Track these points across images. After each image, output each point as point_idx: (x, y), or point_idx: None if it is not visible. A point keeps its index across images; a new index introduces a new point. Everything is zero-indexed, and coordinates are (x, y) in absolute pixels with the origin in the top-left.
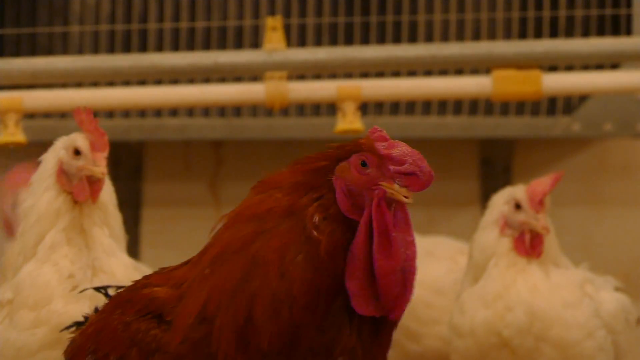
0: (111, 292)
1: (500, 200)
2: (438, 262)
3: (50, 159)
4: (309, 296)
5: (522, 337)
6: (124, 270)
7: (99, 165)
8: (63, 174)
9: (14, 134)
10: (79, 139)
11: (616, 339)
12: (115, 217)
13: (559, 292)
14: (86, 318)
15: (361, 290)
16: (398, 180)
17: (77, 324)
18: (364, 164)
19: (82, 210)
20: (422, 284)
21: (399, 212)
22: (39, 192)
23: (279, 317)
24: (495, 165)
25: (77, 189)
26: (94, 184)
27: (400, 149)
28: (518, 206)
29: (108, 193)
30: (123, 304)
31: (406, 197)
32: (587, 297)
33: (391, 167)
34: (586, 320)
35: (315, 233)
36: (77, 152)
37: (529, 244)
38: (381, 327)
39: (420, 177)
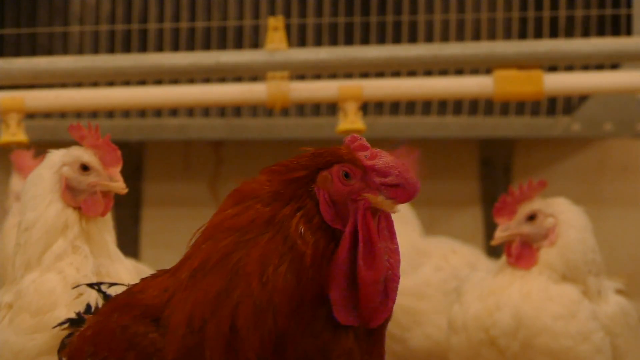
0: (104, 288)
1: None
2: (425, 262)
3: (47, 175)
4: (293, 305)
5: (507, 339)
6: (129, 276)
7: (118, 181)
8: (68, 190)
9: (16, 134)
10: (85, 155)
11: (615, 341)
12: (111, 222)
13: (551, 305)
14: (79, 314)
15: (343, 300)
16: (384, 192)
17: (70, 320)
18: (347, 176)
19: (88, 220)
20: (403, 294)
21: (383, 221)
22: (42, 206)
23: (263, 326)
24: (495, 165)
25: (87, 205)
26: (105, 198)
27: (384, 160)
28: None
29: None
30: (120, 307)
31: (392, 208)
32: (586, 300)
33: (376, 179)
34: (582, 325)
35: (299, 243)
36: (84, 168)
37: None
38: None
39: (406, 188)
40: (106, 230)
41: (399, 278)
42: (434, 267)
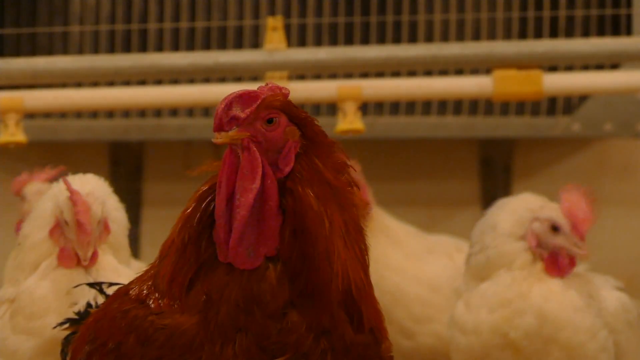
0: (104, 287)
1: (526, 215)
2: (435, 259)
3: (48, 206)
4: (182, 244)
5: (530, 339)
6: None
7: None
8: (58, 228)
9: (15, 134)
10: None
11: (617, 339)
12: (124, 246)
13: (570, 295)
14: (79, 313)
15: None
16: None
17: (70, 320)
18: None
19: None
20: (419, 282)
21: (244, 159)
22: (40, 227)
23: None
24: (495, 165)
25: (61, 253)
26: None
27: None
28: (555, 228)
29: (118, 222)
30: (121, 296)
31: (217, 138)
32: (590, 298)
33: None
34: (591, 322)
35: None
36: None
37: (562, 265)
38: (306, 283)
39: (215, 120)
40: (108, 252)
41: (244, 218)
42: (443, 266)
